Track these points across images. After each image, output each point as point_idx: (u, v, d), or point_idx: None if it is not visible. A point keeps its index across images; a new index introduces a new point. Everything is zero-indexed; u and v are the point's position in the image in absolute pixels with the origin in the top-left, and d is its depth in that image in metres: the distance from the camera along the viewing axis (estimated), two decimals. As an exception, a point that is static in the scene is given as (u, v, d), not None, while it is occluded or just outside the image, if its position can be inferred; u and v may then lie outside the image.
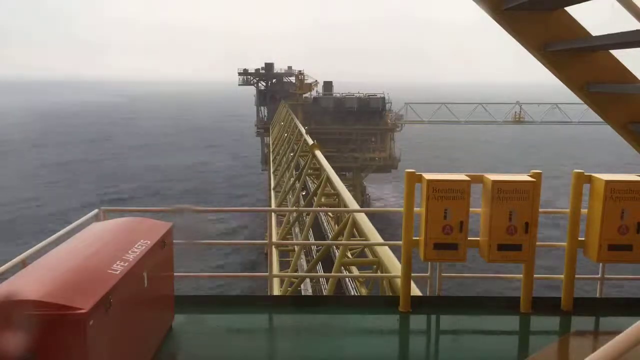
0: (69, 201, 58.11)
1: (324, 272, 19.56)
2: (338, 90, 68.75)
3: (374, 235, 10.20)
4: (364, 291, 16.39)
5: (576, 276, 5.69)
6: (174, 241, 5.29)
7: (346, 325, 5.72)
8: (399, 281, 6.02)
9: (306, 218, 23.21)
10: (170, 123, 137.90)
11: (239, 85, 71.54)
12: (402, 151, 62.93)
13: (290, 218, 24.26)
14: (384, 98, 61.70)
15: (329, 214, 26.33)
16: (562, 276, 5.73)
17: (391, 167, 61.58)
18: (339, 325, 5.72)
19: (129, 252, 4.26)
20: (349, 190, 16.64)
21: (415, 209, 5.60)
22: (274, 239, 20.45)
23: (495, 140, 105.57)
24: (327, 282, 19.44)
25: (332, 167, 20.91)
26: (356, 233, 13.03)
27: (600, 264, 5.85)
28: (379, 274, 9.81)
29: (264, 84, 70.76)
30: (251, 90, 71.35)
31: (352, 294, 18.48)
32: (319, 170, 24.35)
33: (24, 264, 4.27)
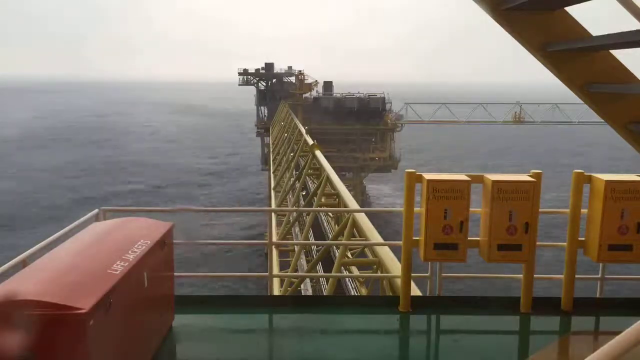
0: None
1: (324, 272, 19.55)
2: (338, 90, 68.78)
3: (374, 235, 10.20)
4: (364, 291, 16.37)
5: (576, 276, 5.69)
6: (174, 241, 5.30)
7: (346, 325, 5.71)
8: (399, 281, 6.02)
9: (306, 218, 23.21)
10: (169, 123, 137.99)
11: (239, 85, 71.58)
12: (402, 151, 62.94)
13: (290, 218, 24.24)
14: (384, 98, 61.70)
15: (329, 214, 26.31)
16: (562, 276, 5.73)
17: (391, 167, 61.60)
18: (339, 325, 5.72)
19: (129, 252, 4.26)
20: (349, 190, 16.64)
21: (415, 209, 5.60)
22: (274, 239, 20.47)
23: (496, 140, 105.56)
24: (327, 282, 19.43)
25: (332, 167, 20.91)
26: (356, 233, 13.02)
27: (600, 264, 5.85)
28: (379, 274, 9.81)
29: (264, 84, 70.79)
30: (251, 90, 71.46)
31: (352, 294, 18.47)
32: (319, 170, 24.35)
33: (24, 264, 4.27)
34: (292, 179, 29.85)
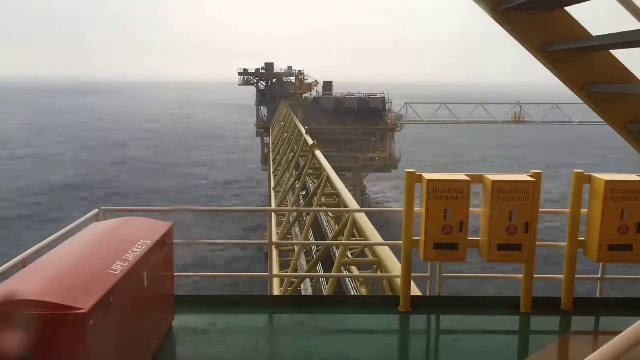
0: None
1: (324, 272, 19.55)
2: (338, 90, 68.81)
3: (374, 235, 10.19)
4: (364, 291, 16.37)
5: (576, 276, 5.69)
6: (174, 241, 5.30)
7: (346, 325, 5.72)
8: (399, 281, 6.02)
9: (306, 218, 23.21)
10: (170, 123, 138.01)
11: (239, 85, 71.67)
12: (402, 151, 62.94)
13: (290, 218, 24.24)
14: (384, 98, 61.72)
15: (329, 214, 26.33)
16: (562, 276, 5.74)
17: (391, 167, 61.62)
18: (339, 325, 5.72)
19: (129, 252, 4.26)
20: (349, 190, 16.64)
21: (415, 209, 5.60)
22: (274, 239, 20.46)
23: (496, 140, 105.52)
24: (327, 282, 19.43)
25: (332, 167, 20.90)
26: (356, 233, 13.02)
27: (600, 264, 5.86)
28: (379, 274, 9.80)
29: (264, 84, 70.85)
30: (251, 90, 71.54)
31: (352, 294, 18.47)
32: (319, 170, 24.35)
33: (24, 264, 4.27)
34: (292, 179, 29.85)
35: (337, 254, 14.77)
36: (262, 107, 69.72)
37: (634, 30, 3.15)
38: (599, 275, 6.03)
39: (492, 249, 5.44)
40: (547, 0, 3.71)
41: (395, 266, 7.97)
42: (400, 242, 5.71)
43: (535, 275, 5.68)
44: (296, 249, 20.25)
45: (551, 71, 4.01)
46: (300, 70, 68.30)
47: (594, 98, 3.95)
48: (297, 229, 27.41)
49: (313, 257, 21.91)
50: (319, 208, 20.78)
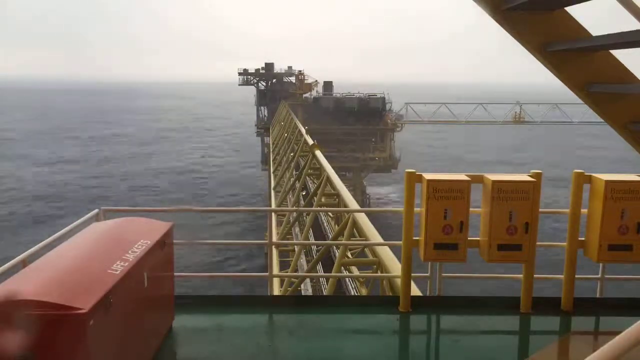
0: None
1: (324, 272, 19.55)
2: (338, 90, 68.83)
3: (374, 235, 10.19)
4: (364, 291, 16.36)
5: (576, 276, 5.69)
6: (174, 241, 5.30)
7: (346, 325, 5.72)
8: (399, 281, 6.02)
9: (306, 218, 23.20)
10: (169, 123, 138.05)
11: (239, 85, 71.68)
12: (402, 151, 62.99)
13: (290, 218, 24.23)
14: (384, 98, 61.72)
15: (329, 214, 26.33)
16: (562, 276, 5.74)
17: (391, 167, 61.62)
18: (339, 325, 5.72)
19: (129, 252, 4.26)
20: (349, 190, 16.63)
21: (415, 209, 5.60)
22: (274, 239, 20.45)
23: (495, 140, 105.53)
24: (327, 282, 19.43)
25: (332, 167, 20.89)
26: (356, 233, 13.02)
27: (600, 264, 5.86)
28: (379, 274, 9.80)
29: (264, 84, 70.86)
30: (251, 90, 71.57)
31: (352, 294, 18.47)
32: (319, 170, 24.34)
33: (24, 264, 4.27)
34: (292, 179, 29.85)
35: (337, 254, 14.76)
36: (262, 107, 69.73)
37: (634, 30, 3.15)
38: (599, 275, 6.04)
39: (492, 249, 5.44)
40: (547, 0, 3.71)
41: (395, 266, 7.97)
42: (400, 242, 5.71)
43: (535, 275, 5.68)
44: (296, 249, 20.25)
45: (551, 71, 4.01)
46: (300, 70, 68.33)
47: (594, 98, 3.95)
48: (297, 229, 27.40)
49: (313, 257, 21.90)
50: (319, 208, 20.78)
